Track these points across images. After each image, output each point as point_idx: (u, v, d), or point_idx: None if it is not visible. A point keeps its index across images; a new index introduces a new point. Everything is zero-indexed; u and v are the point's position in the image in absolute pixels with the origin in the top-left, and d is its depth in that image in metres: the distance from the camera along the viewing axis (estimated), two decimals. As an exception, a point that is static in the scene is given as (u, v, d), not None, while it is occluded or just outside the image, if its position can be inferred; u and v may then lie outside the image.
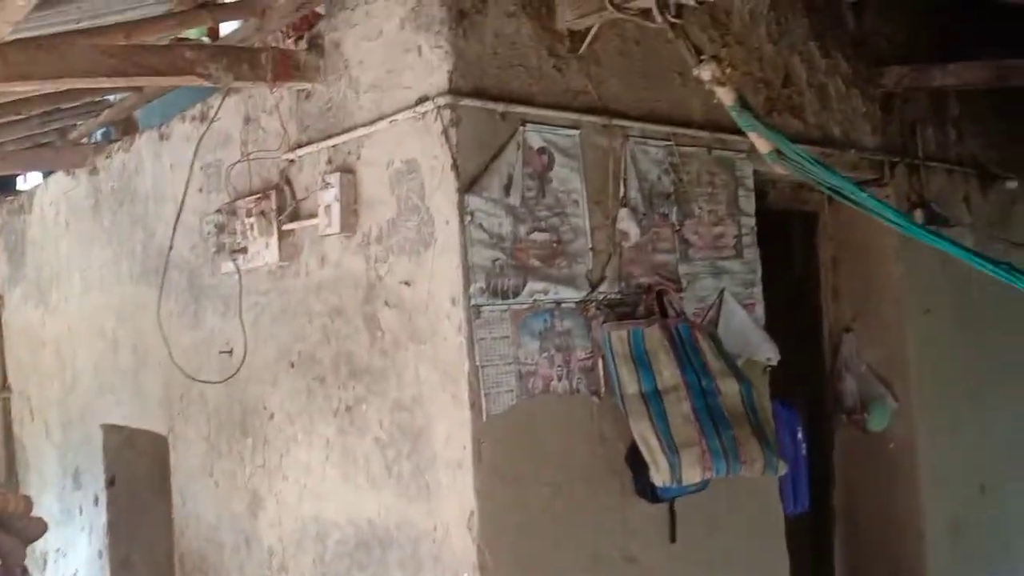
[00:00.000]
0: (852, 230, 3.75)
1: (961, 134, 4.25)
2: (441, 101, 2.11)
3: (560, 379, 2.26)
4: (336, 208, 2.42)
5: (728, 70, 1.92)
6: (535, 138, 2.26)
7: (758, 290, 2.93)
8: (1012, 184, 4.45)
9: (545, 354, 2.22)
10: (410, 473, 2.18)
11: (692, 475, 2.24)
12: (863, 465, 3.74)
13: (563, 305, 2.29)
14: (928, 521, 3.60)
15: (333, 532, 2.50)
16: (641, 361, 2.36)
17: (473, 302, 2.05)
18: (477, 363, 2.03)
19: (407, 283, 2.20)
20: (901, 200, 3.68)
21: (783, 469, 2.43)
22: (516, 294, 2.16)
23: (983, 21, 3.78)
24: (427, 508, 2.14)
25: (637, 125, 2.57)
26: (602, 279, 2.42)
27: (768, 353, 2.79)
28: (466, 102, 2.13)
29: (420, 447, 2.15)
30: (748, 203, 2.96)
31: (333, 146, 2.52)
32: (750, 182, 2.96)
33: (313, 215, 2.55)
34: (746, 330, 2.78)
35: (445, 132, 2.11)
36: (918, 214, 3.67)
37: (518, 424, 2.12)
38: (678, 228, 2.69)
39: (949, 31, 3.96)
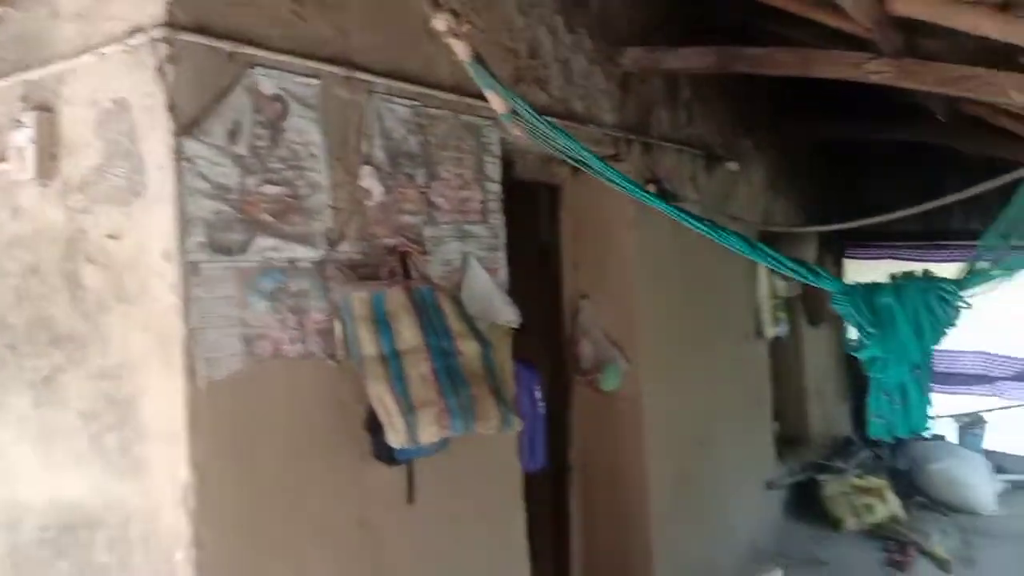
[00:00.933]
0: (592, 203, 3.95)
1: (692, 117, 4.64)
2: (156, 34, 1.89)
3: (293, 342, 2.14)
4: (31, 151, 2.11)
5: (466, 26, 1.90)
6: (268, 84, 2.11)
7: (502, 255, 2.99)
8: (733, 166, 4.95)
9: (276, 316, 2.09)
10: (118, 448, 1.97)
11: (429, 434, 2.23)
12: (597, 423, 3.99)
13: (298, 264, 2.17)
14: (652, 475, 3.92)
15: (29, 518, 2.20)
16: (381, 323, 2.31)
17: (190, 258, 1.86)
18: (194, 325, 1.85)
19: (114, 237, 1.96)
20: (636, 176, 3.93)
21: (518, 426, 2.50)
22: (243, 250, 2.01)
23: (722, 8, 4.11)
24: (139, 485, 1.94)
25: (382, 81, 2.49)
26: (342, 238, 2.32)
27: (509, 316, 2.86)
28: (186, 37, 1.92)
29: (129, 419, 1.94)
30: (494, 170, 3.00)
31: (28, 80, 2.19)
32: (496, 149, 3.00)
33: (3, 159, 2.21)
34: (489, 294, 2.83)
35: (160, 69, 1.89)
36: (651, 188, 3.95)
37: (243, 391, 1.98)
38: (424, 190, 2.66)
39: (692, 16, 4.28)
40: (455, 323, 2.47)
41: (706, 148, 4.75)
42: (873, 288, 2.53)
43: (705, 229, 2.36)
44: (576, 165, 2.40)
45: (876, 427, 2.54)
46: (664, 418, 4.05)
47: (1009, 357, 7.75)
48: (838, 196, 6.95)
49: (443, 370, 2.35)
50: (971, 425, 7.44)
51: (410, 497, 2.43)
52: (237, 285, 1.98)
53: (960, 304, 2.40)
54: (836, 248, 7.55)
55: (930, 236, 7.98)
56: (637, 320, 3.92)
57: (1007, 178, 3.30)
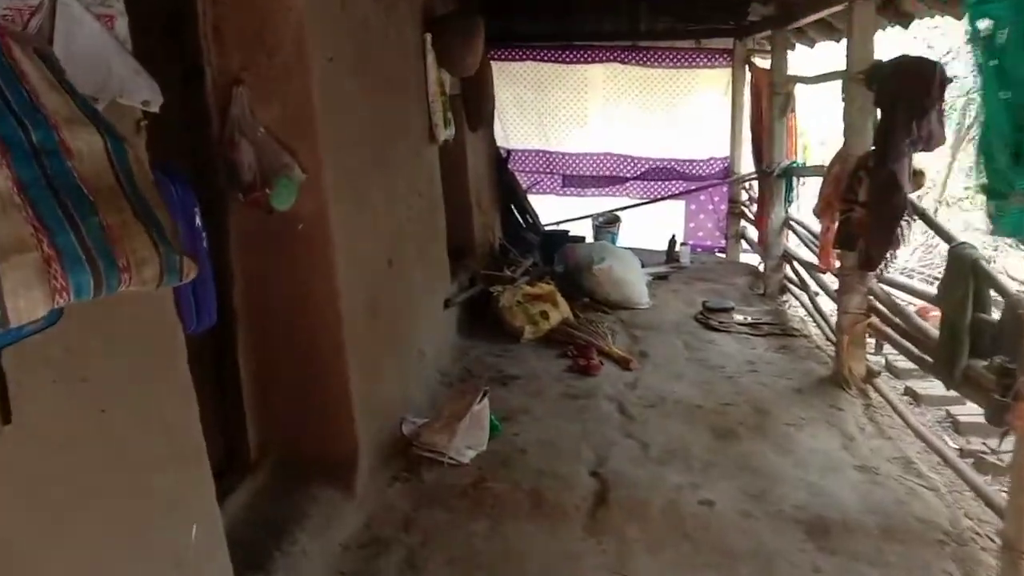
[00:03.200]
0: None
1: None
2: None
3: None
4: None
5: None
6: None
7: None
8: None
9: None
10: None
11: (31, 308, 1.17)
12: (268, 253, 3.04)
13: None
14: (345, 304, 3.14)
15: None
16: None
17: None
18: None
19: None
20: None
21: (192, 272, 1.51)
22: None
23: None
24: None
25: None
26: None
27: (145, 94, 1.74)
28: None
29: None
30: None
31: None
32: None
33: None
34: (106, 55, 1.66)
35: None
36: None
37: None
38: None
39: None
40: (51, 98, 1.34)
41: None
42: None
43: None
44: None
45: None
46: (354, 237, 3.24)
47: (640, 157, 8.17)
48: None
49: (38, 183, 1.25)
50: (607, 224, 7.81)
51: (5, 417, 1.35)
52: None
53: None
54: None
55: (565, 36, 7.87)
56: (315, 113, 2.95)
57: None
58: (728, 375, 4.65)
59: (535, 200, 8.09)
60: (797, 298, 6.23)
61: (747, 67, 7.62)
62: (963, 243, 3.19)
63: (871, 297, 4.30)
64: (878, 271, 3.80)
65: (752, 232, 8.09)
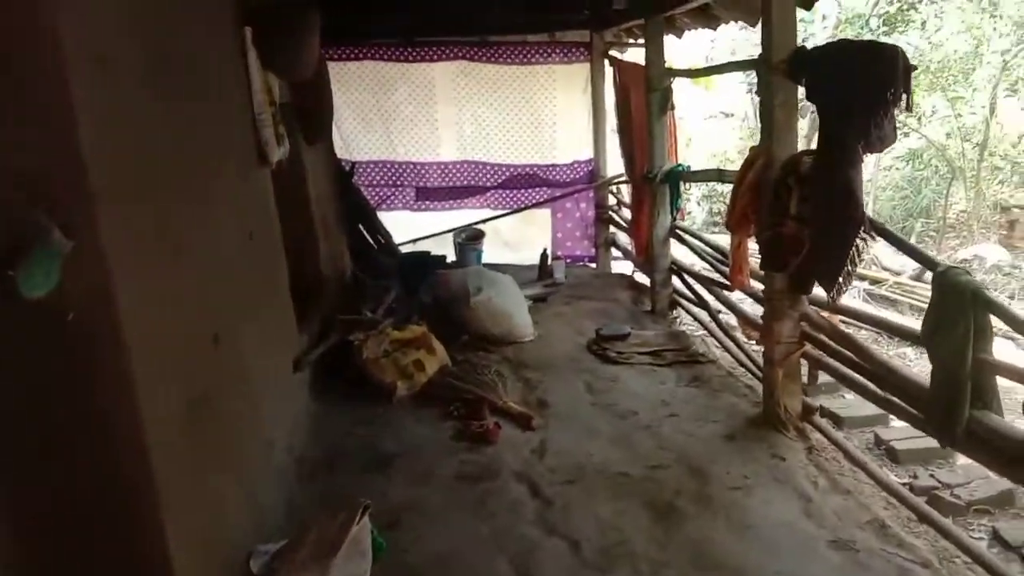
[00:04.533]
0: None
1: None
2: None
3: None
4: None
5: None
6: None
7: None
8: None
9: None
10: None
11: None
12: (27, 362, 1.97)
13: None
14: (149, 413, 2.11)
15: None
16: None
17: None
18: None
19: None
20: None
21: None
22: None
23: None
24: None
25: None
26: None
27: None
28: None
29: None
30: None
31: None
32: None
33: None
34: None
35: None
36: None
37: None
38: None
39: None
40: None
41: None
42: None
43: None
44: None
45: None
46: (158, 319, 2.21)
47: (498, 164, 7.39)
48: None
49: None
50: (470, 240, 6.98)
51: None
52: None
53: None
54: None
55: (406, 31, 6.95)
56: (80, 146, 1.90)
57: None
58: (645, 423, 3.94)
59: (385, 218, 7.11)
60: (695, 317, 5.66)
61: (608, 62, 7.03)
62: (952, 267, 2.61)
63: (804, 323, 3.73)
64: (830, 298, 3.20)
65: (623, 238, 7.56)
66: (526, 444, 3.74)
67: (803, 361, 3.84)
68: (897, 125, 2.95)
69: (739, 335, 5.35)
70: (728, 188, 4.73)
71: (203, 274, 2.60)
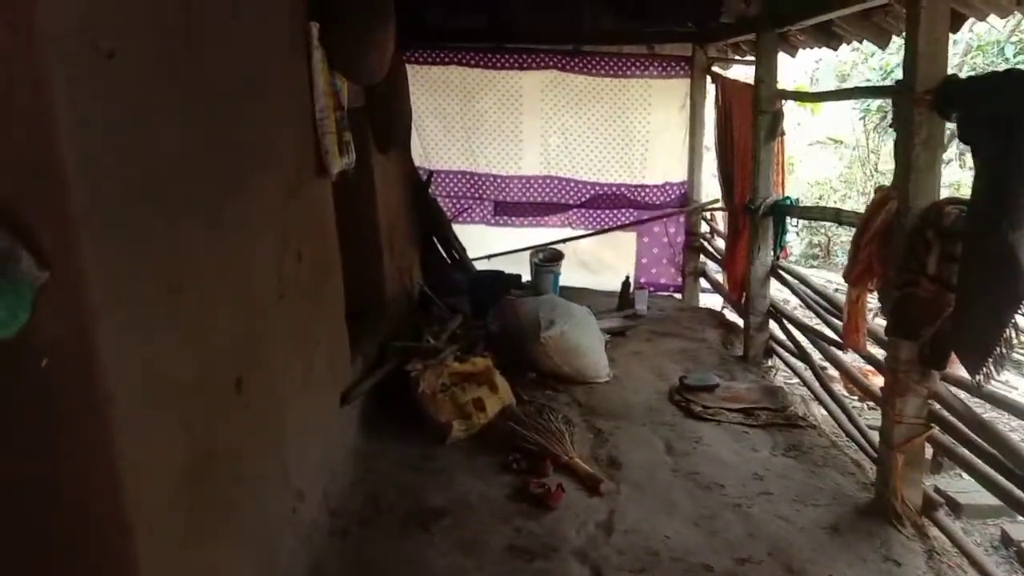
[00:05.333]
0: None
1: None
2: None
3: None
4: None
5: None
6: None
7: None
8: None
9: None
10: None
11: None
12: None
13: None
14: (137, 504, 1.74)
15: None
16: None
17: None
18: None
19: None
20: None
21: None
22: None
23: None
24: None
25: None
26: None
27: None
28: None
29: None
30: None
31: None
32: None
33: None
34: None
35: None
36: None
37: None
38: None
39: None
40: None
41: None
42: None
43: None
44: None
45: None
46: (155, 368, 1.84)
47: (584, 181, 6.93)
48: None
49: None
50: (548, 261, 6.52)
51: None
52: None
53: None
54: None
55: (495, 36, 6.56)
56: (62, 155, 1.54)
57: None
58: (733, 501, 3.39)
59: (461, 231, 6.74)
60: (793, 369, 5.05)
61: (710, 78, 6.48)
62: None
63: (932, 402, 3.13)
64: (976, 381, 2.61)
65: (712, 267, 6.98)
66: (592, 514, 3.25)
67: (927, 446, 3.24)
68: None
69: (843, 392, 4.74)
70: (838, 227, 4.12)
71: (222, 309, 2.22)
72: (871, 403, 4.84)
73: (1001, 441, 2.75)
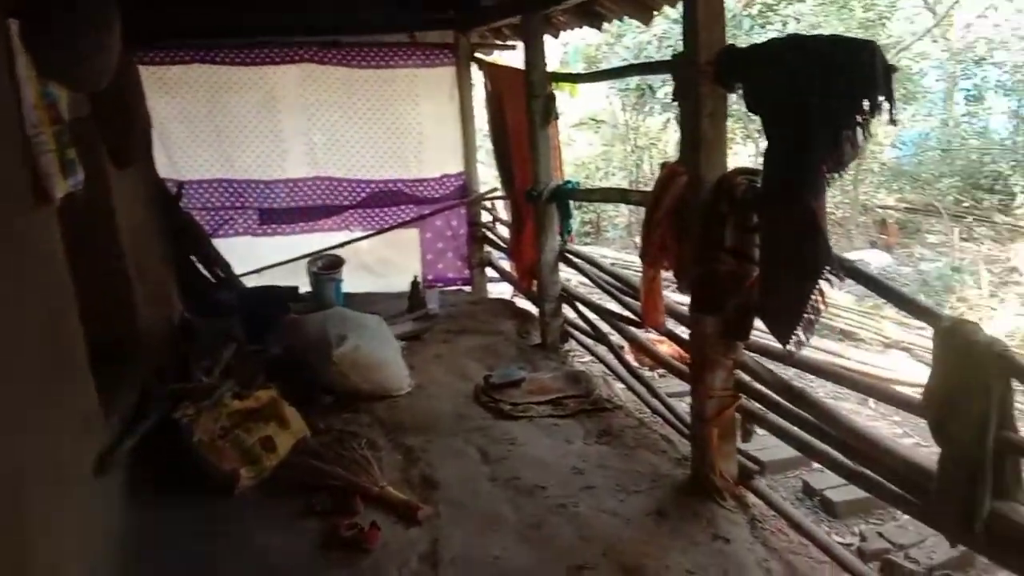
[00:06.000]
0: None
1: None
2: None
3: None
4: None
5: None
6: None
7: None
8: None
9: None
10: None
11: None
12: None
13: None
14: None
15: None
16: None
17: None
18: None
19: None
20: None
21: None
22: None
23: None
24: None
25: None
26: None
27: None
28: None
29: None
30: None
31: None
32: None
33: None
34: None
35: None
36: None
37: None
38: None
39: None
40: None
41: None
42: None
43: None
44: None
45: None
46: None
47: (357, 180, 6.52)
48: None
49: None
50: (328, 269, 6.06)
51: None
52: None
53: None
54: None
55: (239, 29, 5.95)
56: None
57: None
58: (558, 502, 3.22)
59: (224, 246, 6.05)
60: (590, 350, 5.02)
61: (476, 65, 6.32)
62: (962, 323, 2.04)
63: (738, 371, 3.14)
64: (788, 350, 2.60)
65: (496, 255, 6.87)
66: (413, 547, 2.92)
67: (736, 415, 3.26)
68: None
69: (636, 364, 4.80)
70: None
71: None
72: (662, 371, 4.96)
73: (809, 401, 2.78)
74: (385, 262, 6.62)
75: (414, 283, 6.00)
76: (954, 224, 10.36)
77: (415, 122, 6.47)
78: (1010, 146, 11.59)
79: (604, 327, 4.76)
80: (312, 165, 6.43)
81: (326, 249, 6.30)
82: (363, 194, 6.50)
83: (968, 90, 12.74)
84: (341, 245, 6.41)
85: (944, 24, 11.49)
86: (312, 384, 4.09)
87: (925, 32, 11.45)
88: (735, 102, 3.16)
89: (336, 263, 6.07)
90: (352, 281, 6.18)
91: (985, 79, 12.10)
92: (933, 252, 10.00)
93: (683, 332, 3.49)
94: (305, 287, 6.05)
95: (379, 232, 6.58)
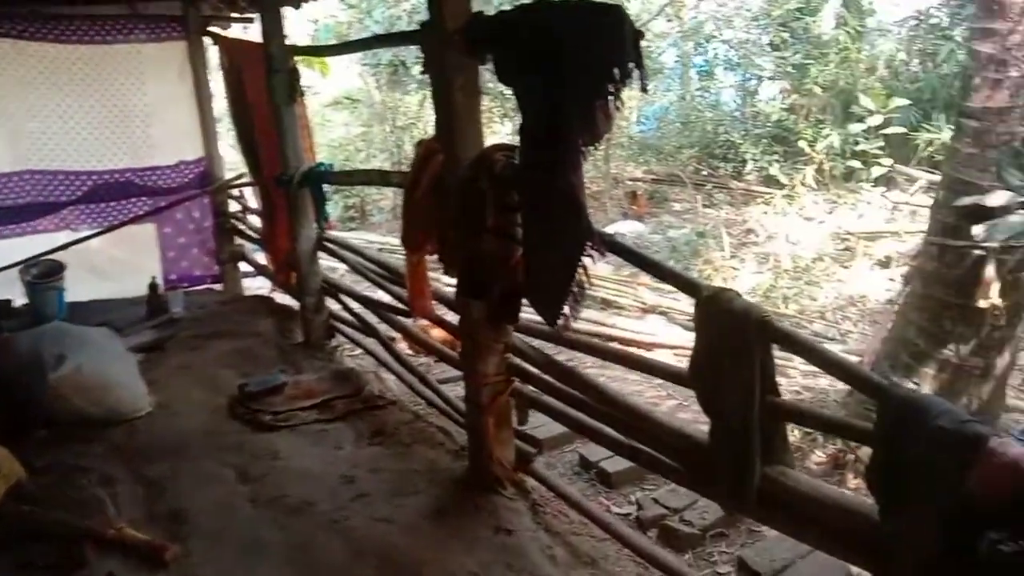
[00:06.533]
0: None
1: None
2: None
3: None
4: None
5: None
6: None
7: None
8: None
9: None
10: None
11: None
12: None
13: None
14: None
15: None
16: None
17: None
18: None
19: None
20: None
21: None
22: None
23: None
24: None
25: None
26: None
27: None
28: None
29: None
30: None
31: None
32: None
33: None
34: None
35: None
36: None
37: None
38: None
39: None
40: None
41: None
42: None
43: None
44: None
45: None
46: None
47: (76, 172, 5.69)
48: None
49: None
50: (45, 276, 5.23)
51: None
52: None
53: None
54: None
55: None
56: None
57: None
58: (328, 517, 2.93)
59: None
60: (359, 344, 4.73)
61: (210, 40, 5.72)
62: (722, 291, 2.03)
63: (509, 355, 3.03)
64: (558, 329, 2.50)
65: (250, 248, 6.34)
66: (159, 597, 2.52)
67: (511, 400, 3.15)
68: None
69: (409, 353, 4.61)
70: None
71: None
72: (435, 358, 4.80)
73: (580, 380, 2.72)
74: (117, 263, 5.83)
75: (152, 285, 5.34)
76: (696, 192, 11.19)
77: (142, 103, 5.75)
78: (739, 117, 12.68)
79: (372, 318, 4.49)
80: (19, 158, 5.49)
81: (45, 253, 5.42)
82: (85, 187, 5.68)
83: (700, 66, 13.80)
84: (64, 247, 5.54)
85: (676, 3, 12.29)
86: (24, 415, 3.44)
87: (659, 11, 12.17)
88: (491, 80, 3.02)
89: (55, 269, 5.24)
90: (78, 288, 5.37)
91: (716, 56, 13.14)
92: (679, 219, 10.71)
93: (453, 317, 3.33)
94: (20, 299, 5.19)
95: (109, 230, 5.78)
